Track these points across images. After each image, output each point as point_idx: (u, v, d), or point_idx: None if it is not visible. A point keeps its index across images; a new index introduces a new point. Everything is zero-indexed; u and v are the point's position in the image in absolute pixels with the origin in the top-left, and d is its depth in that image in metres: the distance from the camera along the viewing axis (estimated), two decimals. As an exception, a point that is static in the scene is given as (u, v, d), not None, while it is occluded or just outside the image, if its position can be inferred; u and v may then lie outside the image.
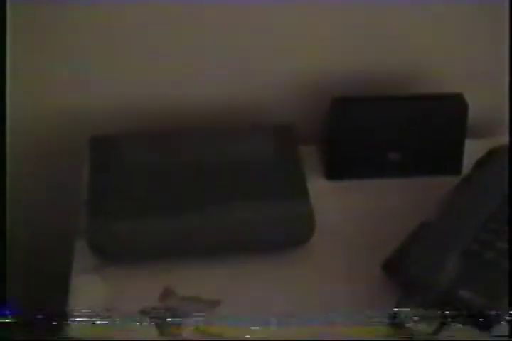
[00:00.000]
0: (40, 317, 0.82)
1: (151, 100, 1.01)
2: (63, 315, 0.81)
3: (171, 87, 1.00)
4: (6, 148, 1.01)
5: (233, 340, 0.79)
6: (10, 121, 0.99)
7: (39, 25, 0.93)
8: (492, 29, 0.96)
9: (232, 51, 0.97)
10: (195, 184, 0.89)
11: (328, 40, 0.97)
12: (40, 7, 0.91)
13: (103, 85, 1.00)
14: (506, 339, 0.78)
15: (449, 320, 0.79)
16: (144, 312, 0.82)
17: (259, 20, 0.94)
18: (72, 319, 0.81)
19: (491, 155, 0.91)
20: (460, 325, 0.79)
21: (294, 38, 0.96)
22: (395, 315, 0.79)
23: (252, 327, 0.80)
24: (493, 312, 0.77)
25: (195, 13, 0.93)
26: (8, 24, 0.91)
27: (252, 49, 0.97)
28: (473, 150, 0.95)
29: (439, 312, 0.79)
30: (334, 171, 0.98)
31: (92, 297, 0.84)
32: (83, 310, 0.81)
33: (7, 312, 0.80)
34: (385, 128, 0.95)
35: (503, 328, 0.78)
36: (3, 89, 0.92)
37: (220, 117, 1.02)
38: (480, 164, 0.91)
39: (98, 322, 0.80)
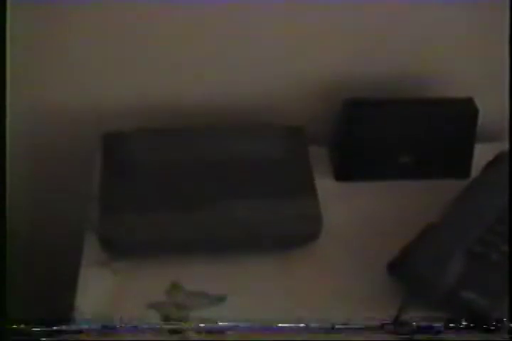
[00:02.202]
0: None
1: (157, 100, 1.01)
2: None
3: (181, 86, 1.00)
4: (6, 148, 1.01)
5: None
6: (10, 121, 0.99)
7: (39, 25, 0.94)
8: (502, 32, 0.96)
9: (243, 52, 0.97)
10: (205, 181, 0.90)
11: (339, 42, 0.97)
12: (40, 7, 0.92)
13: (104, 85, 1.00)
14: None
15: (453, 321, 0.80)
16: (151, 306, 0.83)
17: (270, 21, 0.95)
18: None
19: (498, 158, 0.91)
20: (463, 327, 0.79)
21: (304, 39, 0.97)
22: (398, 316, 0.80)
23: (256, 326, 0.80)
24: (495, 315, 0.78)
25: (201, 13, 0.94)
26: (8, 24, 0.91)
27: (263, 50, 0.97)
28: (482, 154, 0.95)
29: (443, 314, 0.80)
30: (343, 172, 0.98)
31: (100, 290, 0.85)
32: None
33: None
34: (395, 131, 0.95)
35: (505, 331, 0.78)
36: (3, 89, 0.93)
37: (231, 117, 1.02)
38: (488, 167, 0.91)
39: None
